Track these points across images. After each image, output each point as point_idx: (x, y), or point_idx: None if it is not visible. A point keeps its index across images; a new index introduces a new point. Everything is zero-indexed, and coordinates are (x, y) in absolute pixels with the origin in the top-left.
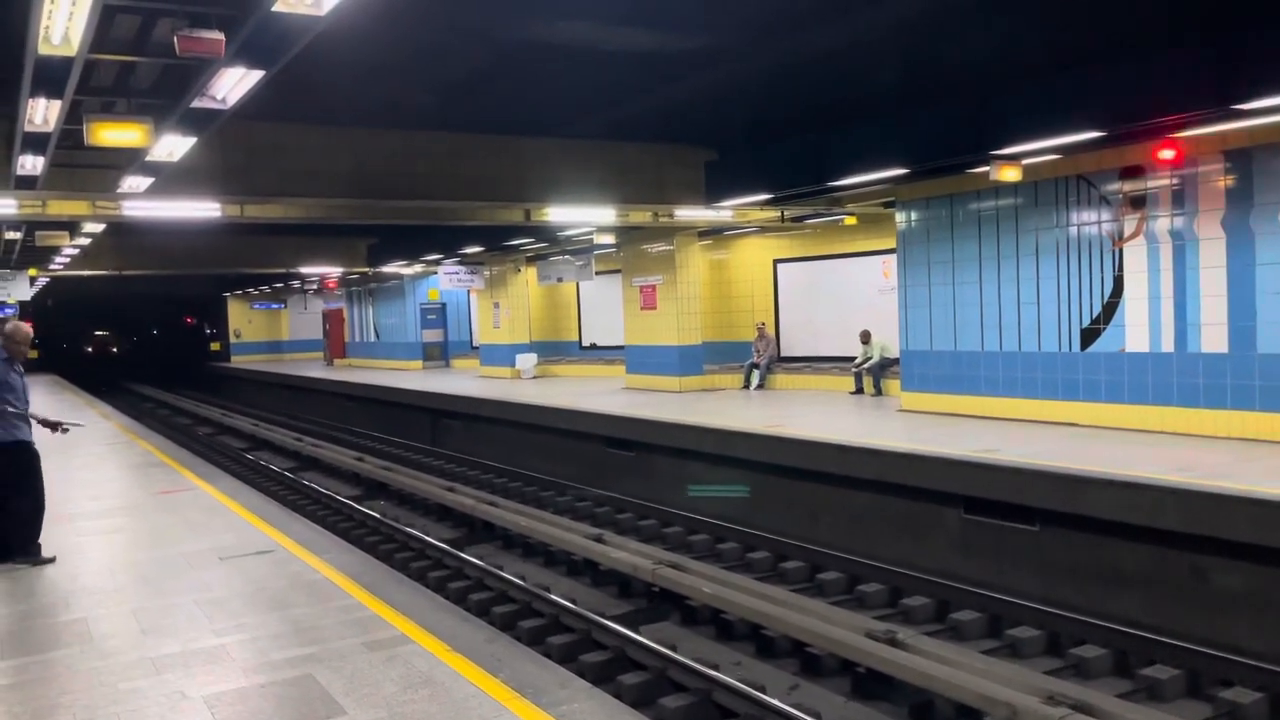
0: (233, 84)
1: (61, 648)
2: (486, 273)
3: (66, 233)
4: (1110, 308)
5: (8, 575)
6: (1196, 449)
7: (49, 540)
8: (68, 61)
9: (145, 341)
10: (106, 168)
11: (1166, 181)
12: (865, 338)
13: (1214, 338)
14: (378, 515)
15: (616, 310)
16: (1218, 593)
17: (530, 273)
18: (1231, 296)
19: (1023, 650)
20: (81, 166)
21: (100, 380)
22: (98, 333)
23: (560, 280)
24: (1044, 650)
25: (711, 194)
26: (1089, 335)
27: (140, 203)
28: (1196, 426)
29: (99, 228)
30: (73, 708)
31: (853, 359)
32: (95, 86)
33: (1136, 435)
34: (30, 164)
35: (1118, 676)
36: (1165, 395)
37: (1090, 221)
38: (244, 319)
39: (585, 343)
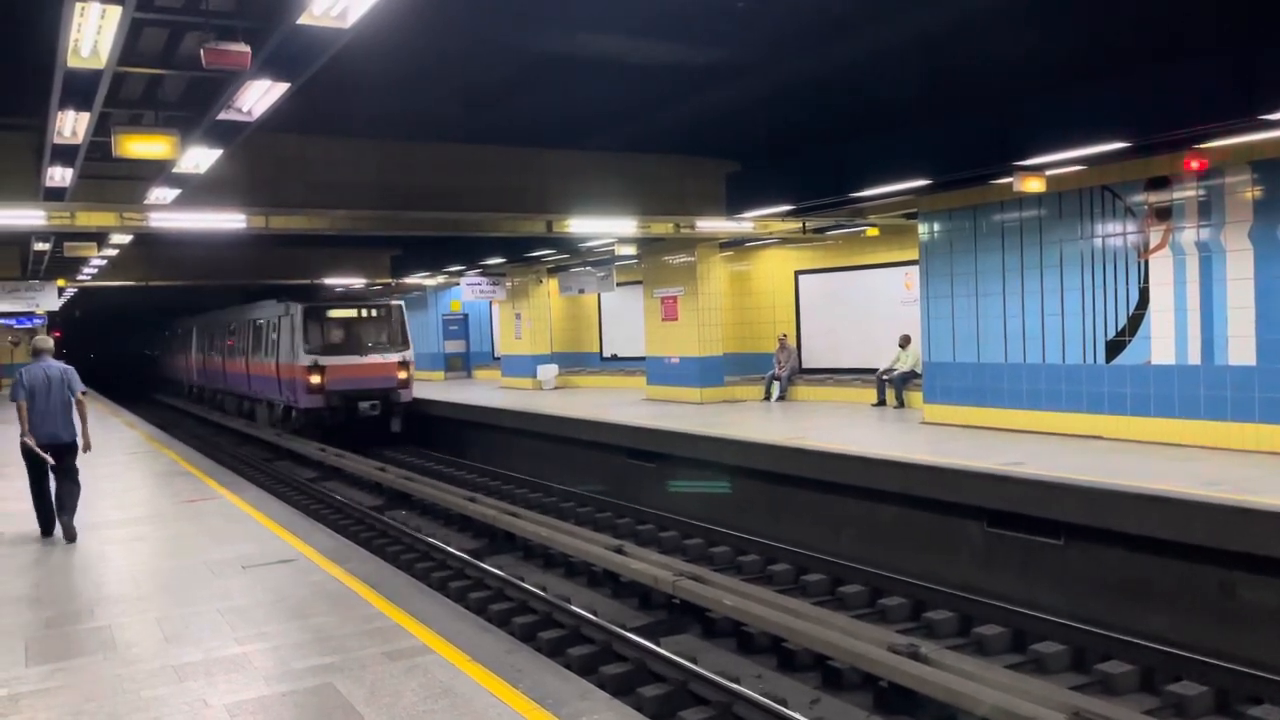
0: (258, 96)
1: (86, 655)
2: (508, 284)
3: (94, 244)
4: (1136, 320)
5: (34, 584)
6: (1224, 462)
7: (74, 546)
8: (96, 74)
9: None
10: (134, 179)
11: (1193, 193)
12: (904, 342)
13: (1241, 350)
14: (399, 525)
15: (637, 321)
16: (1246, 608)
17: (552, 284)
18: (1259, 308)
19: (1047, 665)
20: (109, 178)
21: (125, 390)
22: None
23: (582, 291)
24: (1069, 666)
25: (733, 205)
26: (1114, 347)
27: (167, 214)
28: (1224, 440)
29: (126, 239)
30: (96, 715)
31: (874, 370)
32: (123, 99)
33: (1163, 449)
34: (59, 175)
35: (1144, 693)
36: (1192, 408)
37: (1115, 233)
38: None
39: (606, 354)
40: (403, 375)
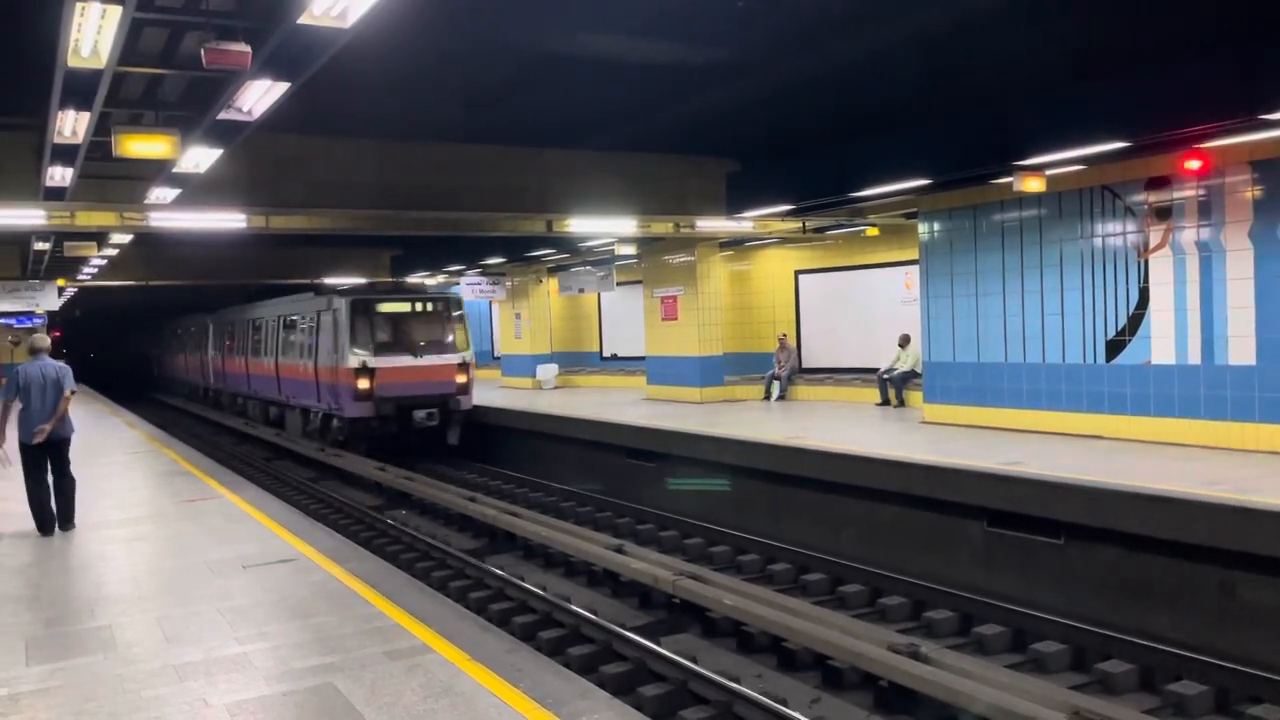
0: (259, 96)
1: (86, 655)
2: (508, 283)
3: (94, 243)
4: (1136, 319)
5: (34, 584)
6: (1224, 462)
7: (74, 545)
8: (97, 74)
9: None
10: (134, 179)
11: (1192, 192)
12: (904, 341)
13: (1241, 350)
14: (399, 525)
15: (637, 321)
16: (1246, 608)
17: (552, 283)
18: (1259, 308)
19: (1047, 665)
20: (109, 178)
21: (126, 390)
22: None
23: (582, 291)
24: (1069, 665)
25: (733, 205)
26: (1114, 347)
27: (167, 214)
28: (1224, 439)
29: (126, 239)
30: (97, 715)
31: (874, 370)
32: (124, 99)
33: (1162, 448)
34: (59, 175)
35: (1144, 692)
36: (1192, 408)
37: (1115, 233)
38: None
39: (606, 353)
40: (462, 379)
